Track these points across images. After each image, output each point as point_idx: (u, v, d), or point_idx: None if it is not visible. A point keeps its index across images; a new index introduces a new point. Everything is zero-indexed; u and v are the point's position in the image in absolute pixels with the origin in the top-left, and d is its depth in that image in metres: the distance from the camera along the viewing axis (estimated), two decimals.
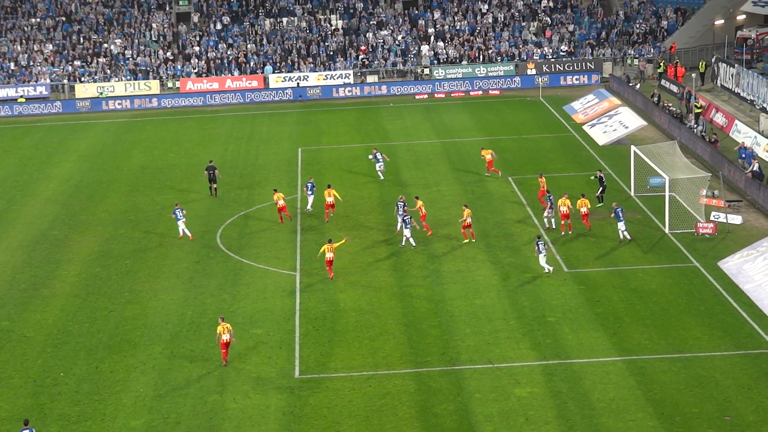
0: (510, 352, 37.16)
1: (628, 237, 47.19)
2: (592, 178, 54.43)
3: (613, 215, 47.93)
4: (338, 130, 69.61)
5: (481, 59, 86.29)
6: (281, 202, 51.66)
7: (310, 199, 53.20)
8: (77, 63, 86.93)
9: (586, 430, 31.97)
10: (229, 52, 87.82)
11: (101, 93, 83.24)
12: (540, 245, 43.97)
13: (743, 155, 57.56)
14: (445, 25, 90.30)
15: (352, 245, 48.02)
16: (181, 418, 33.68)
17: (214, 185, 56.68)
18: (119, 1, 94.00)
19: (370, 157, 59.18)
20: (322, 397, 34.49)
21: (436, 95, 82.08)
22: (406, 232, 47.43)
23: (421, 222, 48.95)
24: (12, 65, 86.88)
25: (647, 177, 53.48)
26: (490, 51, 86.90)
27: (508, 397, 33.96)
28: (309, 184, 53.51)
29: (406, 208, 48.84)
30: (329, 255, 43.96)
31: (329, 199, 51.72)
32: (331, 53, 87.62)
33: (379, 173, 58.48)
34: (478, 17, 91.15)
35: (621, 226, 47.20)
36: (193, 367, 36.99)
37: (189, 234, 49.99)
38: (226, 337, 36.87)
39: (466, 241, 47.88)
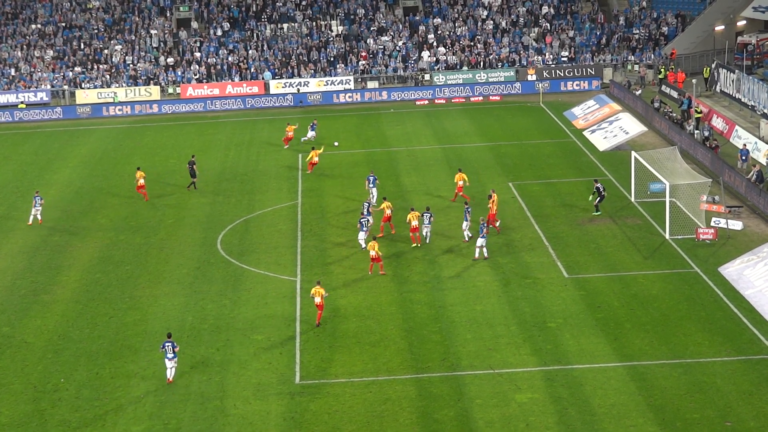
0: (511, 358, 37.13)
1: (485, 255, 46.28)
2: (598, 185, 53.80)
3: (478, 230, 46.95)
4: (339, 136, 69.59)
5: (481, 65, 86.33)
6: (141, 181, 57.26)
7: (374, 191, 53.91)
8: (78, 69, 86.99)
9: None
10: (229, 58, 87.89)
11: (113, 98, 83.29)
12: (427, 216, 47.72)
13: (744, 157, 57.73)
14: (445, 30, 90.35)
15: (352, 252, 48.04)
16: (182, 424, 33.65)
17: (194, 179, 59.11)
18: (120, 7, 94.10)
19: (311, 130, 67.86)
20: (323, 403, 34.47)
21: (436, 101, 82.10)
22: (361, 235, 47.73)
23: (381, 222, 49.48)
24: (12, 71, 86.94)
25: (648, 182, 53.45)
26: (490, 57, 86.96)
27: (508, 403, 33.93)
28: (371, 178, 54.21)
29: (370, 208, 49.73)
30: (317, 299, 40.07)
31: (318, 152, 60.48)
32: (332, 59, 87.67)
33: (310, 138, 67.39)
34: (479, 23, 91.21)
35: (480, 242, 46.20)
36: (194, 373, 36.97)
37: (39, 219, 54.05)
38: (317, 300, 39.78)
39: (414, 245, 48.00)
